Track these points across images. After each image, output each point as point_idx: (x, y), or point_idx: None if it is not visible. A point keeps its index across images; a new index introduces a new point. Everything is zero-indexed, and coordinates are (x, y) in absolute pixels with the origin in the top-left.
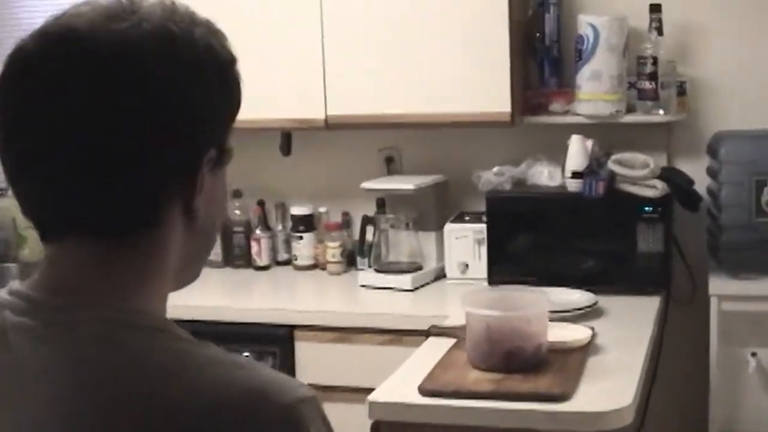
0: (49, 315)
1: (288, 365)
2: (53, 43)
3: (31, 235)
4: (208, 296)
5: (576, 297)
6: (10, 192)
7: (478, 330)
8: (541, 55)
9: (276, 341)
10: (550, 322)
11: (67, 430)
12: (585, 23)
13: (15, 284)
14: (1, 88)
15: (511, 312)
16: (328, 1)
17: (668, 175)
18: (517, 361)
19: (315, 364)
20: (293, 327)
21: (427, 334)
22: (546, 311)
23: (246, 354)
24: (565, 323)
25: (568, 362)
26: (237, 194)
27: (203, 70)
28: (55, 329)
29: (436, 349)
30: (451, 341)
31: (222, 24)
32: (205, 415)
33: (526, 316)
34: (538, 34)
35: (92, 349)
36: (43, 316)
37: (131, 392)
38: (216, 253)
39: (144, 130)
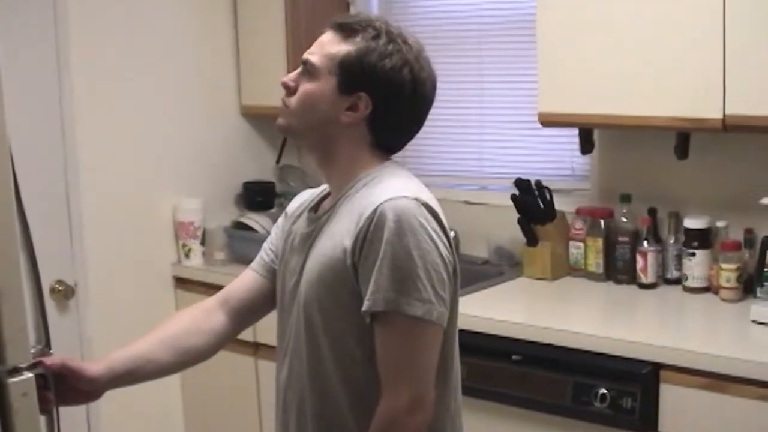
0: None
1: (650, 411)
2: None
3: None
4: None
5: None
6: None
7: None
8: None
9: (638, 380)
10: None
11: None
12: None
13: None
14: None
15: None
16: None
17: None
18: None
19: (681, 413)
20: (659, 366)
21: None
22: None
23: (603, 391)
24: None
25: None
26: (625, 198)
27: None
28: None
29: None
30: None
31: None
32: None
33: None
34: None
35: None
36: None
37: None
38: (597, 264)
39: None
